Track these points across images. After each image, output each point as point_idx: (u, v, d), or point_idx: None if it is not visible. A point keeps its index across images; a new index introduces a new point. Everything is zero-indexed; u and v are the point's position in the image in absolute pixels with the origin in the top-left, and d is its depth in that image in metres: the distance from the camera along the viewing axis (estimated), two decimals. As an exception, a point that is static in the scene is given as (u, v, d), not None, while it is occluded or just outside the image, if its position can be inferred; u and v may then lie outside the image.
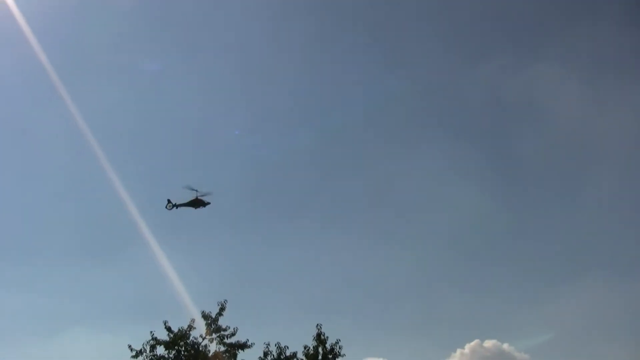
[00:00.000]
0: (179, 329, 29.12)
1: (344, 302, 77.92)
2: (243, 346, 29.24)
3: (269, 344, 29.16)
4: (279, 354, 28.86)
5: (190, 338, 29.16)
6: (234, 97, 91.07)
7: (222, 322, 29.34)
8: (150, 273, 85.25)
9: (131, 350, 28.88)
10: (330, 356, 28.07)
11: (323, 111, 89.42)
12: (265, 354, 28.98)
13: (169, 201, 23.78)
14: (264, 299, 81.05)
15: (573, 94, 75.26)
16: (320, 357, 28.08)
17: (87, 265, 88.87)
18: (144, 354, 28.78)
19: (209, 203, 23.43)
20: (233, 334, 29.22)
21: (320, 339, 28.38)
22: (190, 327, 29.23)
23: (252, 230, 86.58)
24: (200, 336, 29.28)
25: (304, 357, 28.43)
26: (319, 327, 28.58)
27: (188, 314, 30.75)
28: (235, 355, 29.12)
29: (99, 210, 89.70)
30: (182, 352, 28.89)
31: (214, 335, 29.24)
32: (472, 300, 73.07)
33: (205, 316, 29.28)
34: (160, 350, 28.92)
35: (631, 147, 73.40)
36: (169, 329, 29.07)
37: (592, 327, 65.10)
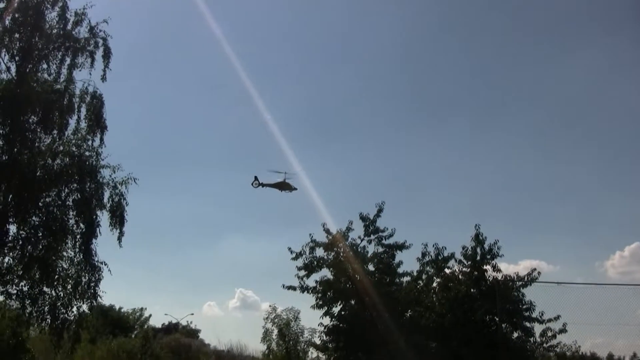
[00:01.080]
0: (338, 231, 29.29)
1: (501, 204, 77.60)
2: (401, 247, 29.32)
3: (426, 245, 29.13)
4: (437, 255, 28.86)
5: (349, 239, 29.38)
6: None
7: (380, 223, 29.36)
8: (306, 178, 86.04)
9: (291, 252, 29.32)
10: (488, 257, 27.99)
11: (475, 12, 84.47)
12: (423, 255, 28.98)
13: (255, 178, 23.40)
14: (422, 201, 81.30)
15: None
16: (478, 257, 28.07)
17: (242, 174, 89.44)
18: (304, 255, 29.14)
19: (295, 189, 22.89)
20: (391, 235, 29.25)
21: (478, 239, 28.19)
22: (349, 229, 29.37)
23: (408, 133, 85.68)
24: (359, 237, 29.45)
25: (462, 258, 28.43)
26: (477, 227, 28.36)
27: (346, 216, 30.78)
28: (393, 256, 29.32)
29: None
30: (341, 254, 29.17)
31: (372, 237, 29.39)
32: (635, 201, 71.03)
33: (363, 218, 29.29)
34: (320, 252, 29.28)
35: None
36: (327, 231, 29.29)
37: None
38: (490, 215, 72.28)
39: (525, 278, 27.16)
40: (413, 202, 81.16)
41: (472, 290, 27.58)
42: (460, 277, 28.24)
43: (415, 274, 29.51)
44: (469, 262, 28.14)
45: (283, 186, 24.87)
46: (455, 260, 28.62)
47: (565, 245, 66.82)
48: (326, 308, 28.82)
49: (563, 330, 26.18)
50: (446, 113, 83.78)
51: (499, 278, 27.23)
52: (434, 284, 29.36)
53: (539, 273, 27.07)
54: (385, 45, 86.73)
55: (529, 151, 76.90)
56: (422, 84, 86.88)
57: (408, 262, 29.41)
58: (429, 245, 29.11)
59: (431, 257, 28.96)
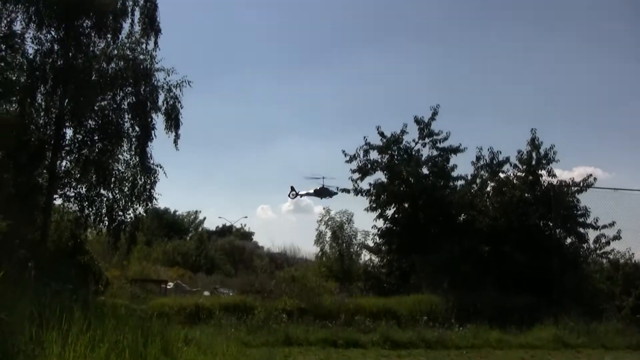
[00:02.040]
0: (392, 134, 29.23)
1: (558, 108, 75.98)
2: (455, 150, 29.29)
3: (481, 149, 29.04)
4: (492, 159, 28.74)
5: (403, 142, 29.33)
6: None
7: (435, 126, 29.21)
8: (361, 81, 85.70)
9: (345, 155, 29.43)
10: (544, 161, 27.73)
11: None
12: (478, 159, 28.91)
13: (292, 189, 22.29)
14: (477, 105, 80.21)
15: None
16: (534, 162, 27.82)
17: (301, 75, 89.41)
18: (358, 158, 29.27)
19: (336, 193, 21.80)
20: (445, 139, 29.16)
21: (534, 143, 27.91)
22: (403, 132, 29.31)
23: (464, 35, 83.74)
24: (413, 140, 29.40)
25: (517, 162, 28.24)
26: (533, 131, 28.05)
27: (400, 120, 30.63)
28: (447, 160, 29.25)
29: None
30: (395, 157, 29.18)
31: (426, 140, 29.31)
32: None
33: (417, 121, 29.16)
34: (374, 154, 29.34)
35: None
36: (382, 134, 29.26)
37: None
38: (547, 119, 70.86)
39: (581, 184, 27.00)
40: (469, 106, 79.94)
41: (526, 195, 27.50)
42: (514, 181, 28.16)
43: (469, 177, 29.61)
44: (524, 167, 28.02)
45: (322, 193, 24.26)
46: (510, 165, 28.64)
47: (622, 152, 65.35)
48: (380, 211, 29.13)
49: (617, 237, 26.15)
50: (509, 14, 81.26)
51: (554, 183, 27.02)
52: (488, 188, 29.32)
53: (594, 179, 26.89)
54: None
55: (589, 52, 74.40)
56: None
57: (462, 166, 29.43)
58: (484, 149, 29.00)
59: (486, 161, 28.92)
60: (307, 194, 24.08)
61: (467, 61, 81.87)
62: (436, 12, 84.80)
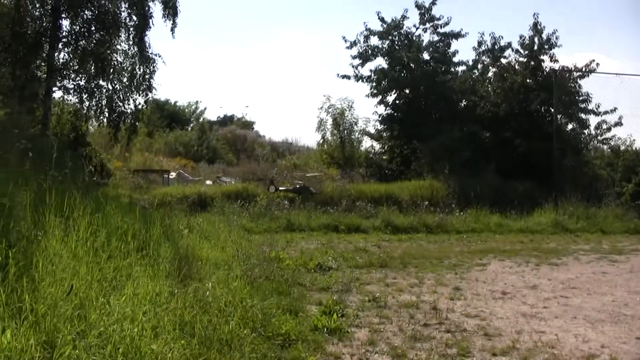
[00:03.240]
0: (393, 19, 28.81)
1: None
2: (457, 36, 28.92)
3: (483, 34, 28.56)
4: (493, 44, 28.30)
5: (404, 28, 28.91)
6: None
7: (436, 11, 28.80)
8: None
9: (345, 41, 29.14)
10: (546, 47, 27.31)
11: None
12: (479, 44, 28.47)
13: (271, 182, 20.77)
14: None
15: None
16: (536, 47, 27.43)
17: None
18: (358, 44, 28.95)
19: (316, 193, 20.50)
20: (447, 24, 28.79)
21: (536, 28, 27.39)
22: (404, 17, 28.88)
23: None
24: (414, 26, 29.00)
25: (519, 47, 27.80)
26: (535, 16, 27.49)
27: (401, 3, 30.10)
28: (448, 45, 28.92)
29: None
30: (396, 42, 28.82)
31: (427, 25, 28.89)
32: None
33: (418, 6, 28.67)
34: (374, 40, 29.01)
35: None
36: (382, 20, 28.86)
37: None
38: (551, 4, 69.23)
39: (583, 69, 26.65)
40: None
41: (528, 80, 27.21)
42: (516, 67, 27.82)
43: (470, 63, 29.43)
44: (526, 52, 27.59)
45: (302, 192, 23.15)
46: (512, 50, 28.16)
47: (626, 37, 64.27)
48: (380, 97, 29.02)
49: (619, 123, 26.10)
50: None
51: (556, 69, 26.71)
52: (490, 74, 29.12)
53: (597, 64, 26.51)
54: None
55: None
56: None
57: (464, 51, 29.32)
58: (486, 34, 28.80)
59: (487, 46, 28.54)
60: (289, 191, 23.30)
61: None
62: None
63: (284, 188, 22.92)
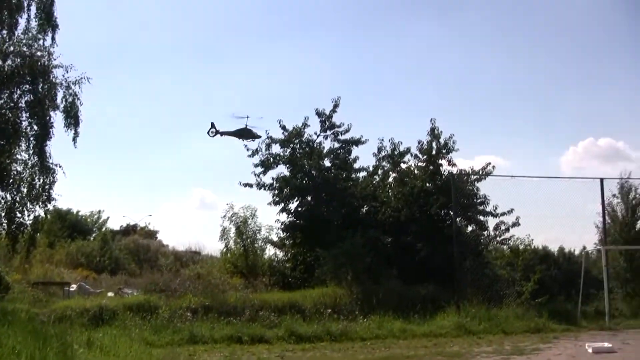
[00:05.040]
0: (294, 127, 29.11)
1: (458, 101, 77.05)
2: (357, 142, 29.34)
3: (382, 140, 29.16)
4: (393, 150, 28.93)
5: (305, 136, 29.23)
6: None
7: (336, 119, 29.16)
8: (264, 74, 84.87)
9: (247, 149, 29.24)
10: (444, 151, 28.05)
11: None
12: (379, 150, 29.04)
13: (212, 125, 20.90)
14: (378, 97, 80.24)
15: None
16: (434, 152, 28.14)
17: (203, 69, 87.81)
18: (260, 152, 29.08)
19: (259, 136, 20.73)
20: (347, 131, 29.14)
21: (434, 133, 28.16)
22: (305, 125, 29.18)
23: (365, 27, 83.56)
24: (315, 133, 29.33)
25: (417, 152, 28.50)
26: (432, 121, 28.31)
27: (302, 112, 30.54)
28: (349, 152, 29.33)
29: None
30: (297, 150, 29.08)
31: (328, 132, 29.29)
32: (588, 97, 70.75)
33: (319, 113, 29.07)
34: (276, 148, 29.18)
35: None
36: (283, 128, 29.11)
37: None
38: (448, 110, 72.04)
39: (480, 172, 27.43)
40: (370, 97, 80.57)
41: (427, 184, 27.77)
42: (415, 171, 28.44)
43: (371, 169, 29.83)
44: (425, 157, 28.27)
45: (244, 134, 22.89)
46: (411, 155, 28.80)
47: (520, 141, 67.37)
48: (283, 205, 28.97)
49: (516, 224, 26.68)
50: (406, 8, 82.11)
51: (454, 172, 27.38)
52: (390, 179, 29.61)
53: (493, 167, 27.37)
54: None
55: (488, 46, 76.28)
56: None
57: (364, 158, 29.63)
58: (385, 140, 29.17)
59: (387, 152, 29.10)
60: (228, 133, 22.72)
61: (369, 52, 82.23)
62: (338, 3, 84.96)
63: None
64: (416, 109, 73.96)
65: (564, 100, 71.68)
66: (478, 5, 75.32)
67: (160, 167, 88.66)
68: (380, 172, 29.73)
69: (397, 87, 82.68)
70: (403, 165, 28.98)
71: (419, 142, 28.44)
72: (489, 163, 27.45)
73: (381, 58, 79.88)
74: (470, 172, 27.63)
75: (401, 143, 29.00)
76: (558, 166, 61.51)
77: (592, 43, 73.40)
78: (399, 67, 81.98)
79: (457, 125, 70.79)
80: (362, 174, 29.83)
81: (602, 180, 26.26)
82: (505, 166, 54.77)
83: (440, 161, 28.01)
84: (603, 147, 63.03)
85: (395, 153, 28.97)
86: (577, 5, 70.09)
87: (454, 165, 27.81)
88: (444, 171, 27.90)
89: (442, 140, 28.11)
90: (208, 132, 20.66)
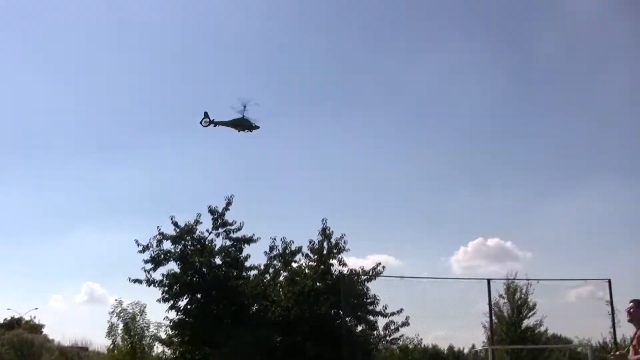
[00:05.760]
0: (186, 224, 28.95)
1: (351, 198, 77.95)
2: (249, 240, 29.29)
3: (274, 239, 29.31)
4: (285, 249, 29.12)
5: (197, 233, 29.09)
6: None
7: (229, 216, 29.19)
8: (157, 169, 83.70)
9: (138, 245, 28.72)
10: (335, 251, 28.48)
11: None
12: (271, 249, 29.13)
13: (205, 115, 20.03)
14: (271, 194, 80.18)
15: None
16: (325, 251, 28.50)
17: (95, 162, 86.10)
18: (151, 248, 28.64)
19: (257, 127, 19.91)
20: (239, 229, 29.14)
21: (325, 233, 28.62)
22: (197, 222, 29.08)
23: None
24: (207, 230, 29.21)
25: (309, 252, 28.81)
26: (324, 221, 28.84)
27: (195, 209, 30.43)
28: (241, 250, 29.30)
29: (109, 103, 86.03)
30: (188, 246, 28.87)
31: (220, 230, 29.23)
32: (478, 198, 73.17)
33: (211, 211, 29.04)
34: (167, 245, 28.83)
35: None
36: (175, 224, 28.86)
37: (596, 228, 66.05)
38: (342, 208, 73.14)
39: (370, 272, 27.88)
40: (263, 195, 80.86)
41: (318, 284, 27.95)
42: (306, 271, 28.59)
43: (262, 267, 29.67)
44: (316, 256, 28.54)
45: (241, 124, 21.57)
46: (302, 255, 29.01)
47: (412, 240, 69.08)
48: (172, 302, 28.43)
49: (406, 324, 27.14)
50: (302, 106, 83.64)
51: (345, 272, 27.75)
52: (281, 278, 29.57)
53: (383, 267, 27.95)
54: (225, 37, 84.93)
55: (379, 146, 78.55)
56: (280, 80, 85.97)
57: (256, 256, 29.50)
58: (277, 239, 29.35)
59: (279, 251, 29.18)
60: (223, 123, 21.31)
61: (265, 149, 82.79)
62: (233, 94, 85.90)
63: None
64: (310, 208, 74.74)
65: (455, 200, 74.16)
66: (372, 104, 77.97)
67: (50, 259, 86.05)
68: (271, 270, 29.60)
69: (291, 185, 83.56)
70: (294, 265, 29.13)
71: (310, 242, 28.84)
72: (379, 263, 28.06)
73: (275, 155, 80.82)
74: (361, 272, 28.07)
75: (293, 242, 29.26)
76: (449, 265, 62.91)
77: (481, 144, 76.86)
78: (292, 165, 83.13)
79: (352, 223, 71.87)
80: (253, 272, 29.63)
81: (489, 281, 27.13)
82: (397, 265, 55.66)
83: (331, 261, 28.37)
84: (492, 247, 65.07)
85: (287, 252, 29.12)
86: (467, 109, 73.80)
87: (344, 265, 28.30)
88: (335, 271, 28.26)
89: (333, 240, 28.58)
90: (201, 122, 19.63)
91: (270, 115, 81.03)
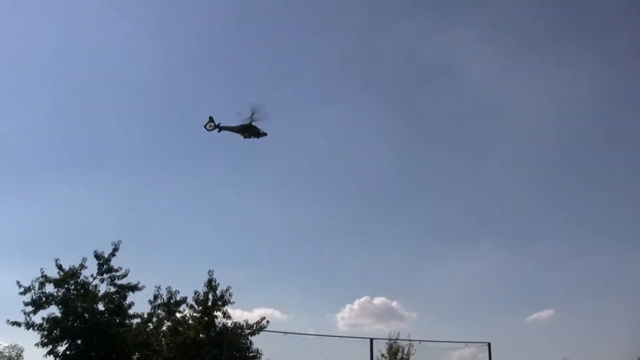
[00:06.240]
0: (70, 268, 28.55)
1: (241, 251, 77.02)
2: (133, 288, 29.20)
3: (159, 287, 29.44)
4: (169, 298, 29.23)
5: (81, 277, 28.70)
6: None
7: (115, 262, 29.06)
8: (44, 210, 79.78)
9: (19, 286, 27.99)
10: (220, 303, 28.81)
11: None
12: (155, 297, 29.23)
13: (210, 119, 19.36)
14: (159, 242, 78.08)
15: (489, 61, 77.38)
16: (210, 303, 28.76)
17: None
18: (33, 290, 27.96)
19: (265, 134, 19.37)
20: (124, 276, 29.05)
21: (211, 285, 29.01)
22: (82, 266, 28.71)
23: (150, 172, 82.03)
24: (91, 275, 28.87)
25: (193, 303, 29.01)
26: (210, 273, 29.23)
27: (81, 252, 30.01)
28: (125, 297, 29.10)
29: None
30: (71, 291, 28.41)
31: (105, 276, 28.96)
32: (367, 256, 73.81)
33: (97, 256, 28.82)
34: (50, 288, 28.22)
35: (540, 117, 77.02)
36: (60, 267, 28.40)
37: (484, 291, 67.84)
38: (230, 261, 72.71)
39: (254, 326, 28.29)
40: (152, 244, 79.28)
41: (201, 335, 28.12)
42: (190, 321, 28.73)
43: (146, 316, 29.57)
44: (200, 308, 28.75)
45: (248, 130, 20.54)
46: (187, 305, 29.15)
47: (300, 295, 69.35)
48: (51, 347, 27.75)
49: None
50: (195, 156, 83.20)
51: (229, 325, 28.06)
52: (164, 328, 29.54)
53: (267, 322, 28.50)
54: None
55: (271, 199, 78.89)
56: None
57: (140, 304, 29.37)
58: (162, 287, 29.44)
59: (163, 300, 29.33)
60: (229, 129, 20.11)
61: (154, 198, 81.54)
62: (128, 144, 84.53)
63: None
64: (198, 258, 74.02)
65: (344, 257, 75.25)
66: (267, 156, 78.69)
67: None
68: (155, 319, 29.59)
69: (179, 234, 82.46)
70: (178, 315, 29.22)
71: (195, 293, 29.14)
72: (264, 317, 28.61)
73: (164, 203, 79.94)
74: (245, 325, 28.43)
75: (178, 292, 29.53)
76: (335, 322, 63.65)
77: (372, 204, 78.93)
78: (182, 214, 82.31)
79: (239, 275, 71.54)
80: (136, 321, 29.47)
81: (371, 340, 27.80)
82: (283, 320, 56.11)
83: (215, 313, 28.64)
84: (378, 305, 66.19)
85: (172, 302, 29.28)
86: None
87: (229, 317, 28.69)
88: (219, 323, 28.52)
89: (218, 292, 29.02)
90: (205, 126, 18.70)
91: (158, 163, 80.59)
